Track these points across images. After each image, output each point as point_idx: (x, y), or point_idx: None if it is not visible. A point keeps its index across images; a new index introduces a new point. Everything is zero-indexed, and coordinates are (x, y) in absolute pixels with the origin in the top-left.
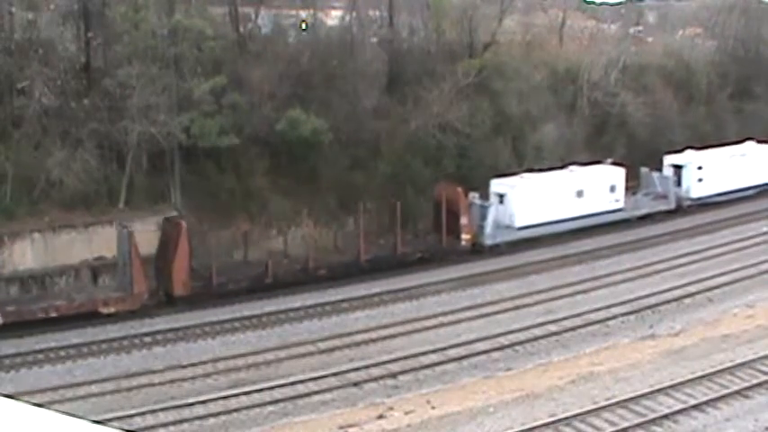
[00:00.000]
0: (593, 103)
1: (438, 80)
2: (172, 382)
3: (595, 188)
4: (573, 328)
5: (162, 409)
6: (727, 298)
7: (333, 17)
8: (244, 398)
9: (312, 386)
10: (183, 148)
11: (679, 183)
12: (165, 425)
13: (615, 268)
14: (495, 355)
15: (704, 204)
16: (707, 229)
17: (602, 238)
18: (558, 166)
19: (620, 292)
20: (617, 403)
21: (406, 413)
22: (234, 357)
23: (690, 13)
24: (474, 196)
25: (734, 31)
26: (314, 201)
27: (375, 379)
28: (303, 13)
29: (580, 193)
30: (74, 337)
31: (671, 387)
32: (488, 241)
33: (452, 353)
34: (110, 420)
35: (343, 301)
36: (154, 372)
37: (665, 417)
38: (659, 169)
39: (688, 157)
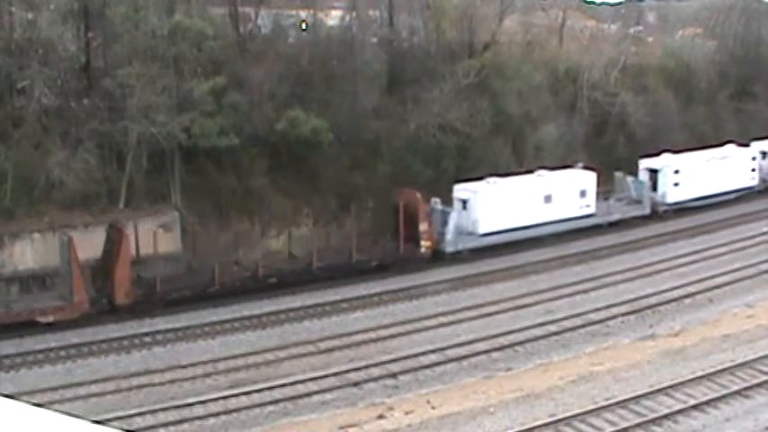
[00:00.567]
0: (593, 103)
1: (438, 80)
2: (172, 382)
3: (564, 193)
4: (573, 328)
5: (162, 409)
6: (727, 298)
7: (333, 17)
8: (244, 398)
9: (312, 386)
10: (183, 148)
11: (655, 187)
12: (165, 425)
13: (615, 268)
14: (495, 355)
15: (681, 209)
16: (707, 229)
17: (602, 239)
18: (526, 171)
19: (620, 292)
20: (617, 403)
21: (406, 413)
22: (234, 357)
23: (690, 13)
24: (436, 202)
25: (734, 31)
26: (314, 201)
27: (375, 379)
28: (303, 13)
29: (548, 199)
30: (74, 337)
31: (671, 387)
32: (449, 248)
33: (452, 353)
34: (110, 420)
35: (343, 301)
36: (154, 372)
37: (665, 417)
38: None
39: (664, 161)
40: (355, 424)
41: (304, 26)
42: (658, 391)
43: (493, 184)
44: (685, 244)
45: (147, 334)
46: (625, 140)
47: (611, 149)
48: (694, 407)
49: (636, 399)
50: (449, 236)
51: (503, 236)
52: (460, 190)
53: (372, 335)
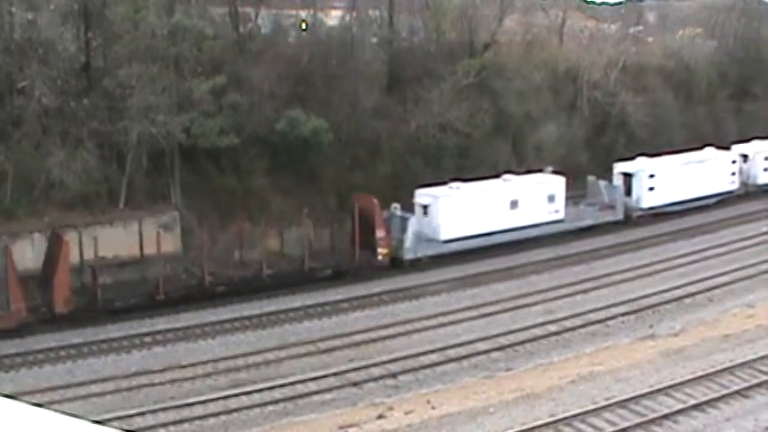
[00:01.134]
0: (593, 103)
1: (438, 80)
2: (172, 382)
3: (532, 198)
4: (573, 328)
5: (162, 409)
6: (727, 298)
7: (333, 17)
8: (244, 398)
9: (312, 386)
10: (183, 148)
11: (629, 192)
12: (165, 425)
13: (615, 268)
14: (495, 355)
15: (657, 215)
16: (707, 229)
17: (602, 239)
18: (492, 175)
19: (620, 292)
20: (617, 403)
21: (406, 413)
22: (234, 357)
23: (690, 13)
24: (396, 207)
25: (734, 31)
26: (314, 201)
27: (375, 379)
28: (303, 13)
29: (514, 204)
30: (74, 337)
31: (671, 387)
32: (408, 255)
33: (452, 353)
34: (110, 420)
35: (343, 301)
36: (154, 372)
37: (665, 417)
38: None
39: (639, 165)
40: (355, 424)
41: (304, 26)
42: (658, 391)
43: (455, 189)
44: (685, 244)
45: (147, 334)
46: (625, 140)
47: (611, 149)
48: (694, 407)
49: (636, 399)
50: (407, 243)
51: (465, 242)
52: (421, 195)
53: (372, 335)
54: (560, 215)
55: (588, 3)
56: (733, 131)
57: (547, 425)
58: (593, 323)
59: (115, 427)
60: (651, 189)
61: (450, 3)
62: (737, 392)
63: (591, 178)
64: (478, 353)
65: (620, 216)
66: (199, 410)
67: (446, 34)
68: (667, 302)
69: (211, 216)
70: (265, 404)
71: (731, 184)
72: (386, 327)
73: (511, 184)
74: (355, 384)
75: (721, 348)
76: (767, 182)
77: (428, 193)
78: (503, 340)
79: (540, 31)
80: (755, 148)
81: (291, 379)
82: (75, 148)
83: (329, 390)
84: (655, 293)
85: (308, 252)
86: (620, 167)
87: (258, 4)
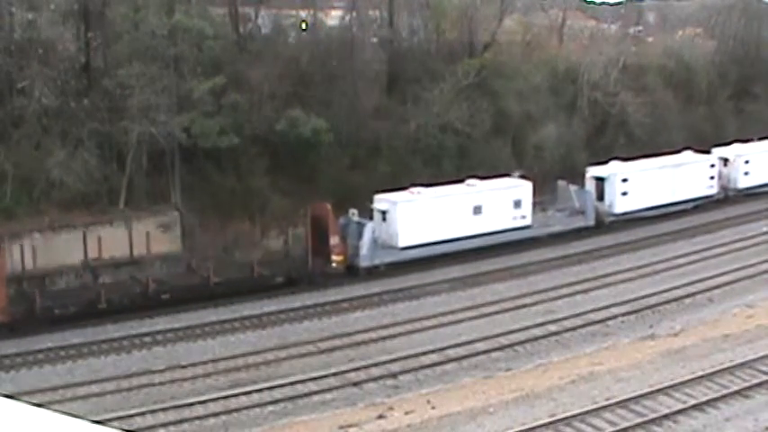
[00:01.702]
0: (593, 103)
1: (438, 80)
2: (172, 382)
3: (496, 204)
4: (573, 328)
5: (162, 409)
6: (727, 298)
7: (333, 17)
8: (244, 398)
9: (312, 386)
10: (183, 148)
11: (602, 197)
12: (165, 425)
13: (615, 268)
14: (495, 355)
15: (630, 220)
16: (707, 229)
17: (602, 238)
18: (456, 180)
19: (620, 292)
20: (617, 403)
21: (406, 413)
22: (234, 357)
23: (690, 13)
24: (353, 213)
25: (734, 31)
26: (314, 201)
27: (375, 379)
28: (303, 13)
29: (477, 210)
30: (74, 337)
31: (671, 387)
32: (364, 263)
33: (452, 353)
34: (110, 420)
35: (343, 301)
36: (154, 372)
37: (665, 417)
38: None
39: (612, 169)
40: (355, 424)
41: (304, 26)
42: (658, 391)
43: (415, 195)
44: (685, 244)
45: (147, 334)
46: (625, 140)
47: (611, 149)
48: (694, 407)
49: (636, 399)
50: (364, 250)
51: (425, 249)
52: (380, 201)
53: (372, 335)
54: (527, 221)
55: (588, 3)
56: (733, 131)
57: (547, 425)
58: (593, 323)
59: (115, 427)
60: (624, 194)
61: (451, 3)
62: (737, 392)
63: (561, 183)
64: (478, 353)
65: (590, 222)
66: (199, 410)
67: (446, 34)
68: (667, 302)
69: (211, 216)
70: (265, 404)
71: (709, 188)
72: (386, 327)
73: (474, 190)
74: (355, 384)
75: (721, 348)
76: (748, 186)
77: (387, 198)
78: (503, 340)
79: (540, 31)
80: (736, 151)
81: (291, 379)
82: (75, 148)
83: (329, 390)
84: (655, 293)
85: (256, 259)
86: (592, 171)
87: (258, 4)
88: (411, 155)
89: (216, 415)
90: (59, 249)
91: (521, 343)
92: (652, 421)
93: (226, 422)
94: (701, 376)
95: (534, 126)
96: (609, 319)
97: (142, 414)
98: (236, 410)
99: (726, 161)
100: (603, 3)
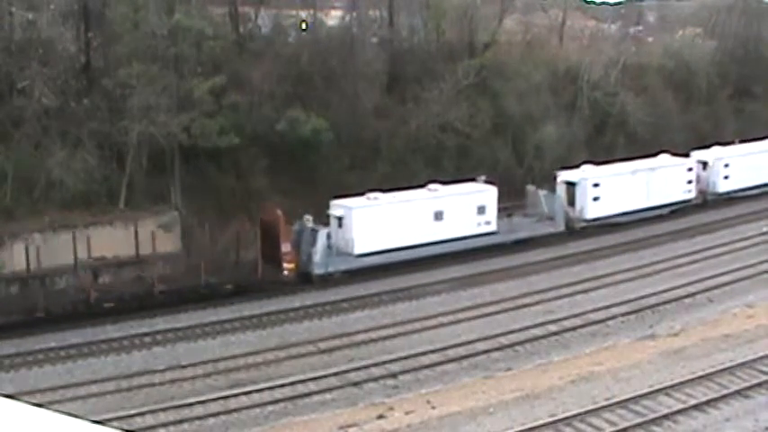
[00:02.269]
0: (593, 103)
1: (438, 80)
2: (172, 382)
3: (459, 210)
4: (573, 328)
5: (162, 409)
6: (727, 298)
7: (333, 17)
8: (244, 398)
9: (312, 386)
10: (183, 148)
11: (573, 202)
12: (165, 425)
13: (615, 268)
14: (495, 355)
15: (602, 226)
16: (707, 228)
17: (602, 239)
18: (418, 185)
19: (620, 292)
20: (617, 403)
21: (406, 413)
22: (234, 357)
23: (690, 13)
24: (308, 219)
25: (734, 31)
26: (314, 201)
27: (375, 379)
28: (303, 13)
29: (439, 216)
30: (74, 337)
31: (671, 387)
32: (318, 270)
33: (452, 353)
34: (110, 420)
35: (343, 301)
36: (154, 372)
37: (665, 417)
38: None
39: (583, 174)
40: (355, 424)
41: (304, 26)
42: (658, 391)
43: (372, 200)
44: (685, 244)
45: (147, 334)
46: (625, 140)
47: (611, 149)
48: (694, 407)
49: (636, 399)
50: (317, 257)
51: (383, 257)
52: (336, 206)
53: (372, 335)
54: (492, 227)
55: (588, 3)
56: (733, 131)
57: (547, 425)
58: (593, 323)
59: (115, 427)
60: (596, 199)
61: (450, 3)
62: (737, 392)
63: (530, 188)
64: (478, 353)
65: (560, 228)
66: (199, 410)
67: (446, 34)
68: (667, 302)
69: (211, 216)
70: (265, 404)
71: (687, 193)
72: (386, 327)
73: (435, 195)
74: (355, 384)
75: (721, 348)
76: (728, 190)
77: (342, 204)
78: (503, 340)
79: (540, 31)
80: (715, 154)
81: (291, 379)
82: (75, 148)
83: (329, 390)
84: (655, 293)
85: (203, 266)
86: (563, 176)
87: (258, 4)
88: (411, 155)
89: (216, 415)
90: (57, 249)
91: (521, 343)
92: (652, 421)
93: (226, 422)
94: (701, 376)
95: (534, 126)
96: (609, 319)
97: (142, 414)
98: (236, 410)
99: (705, 165)
100: (603, 3)
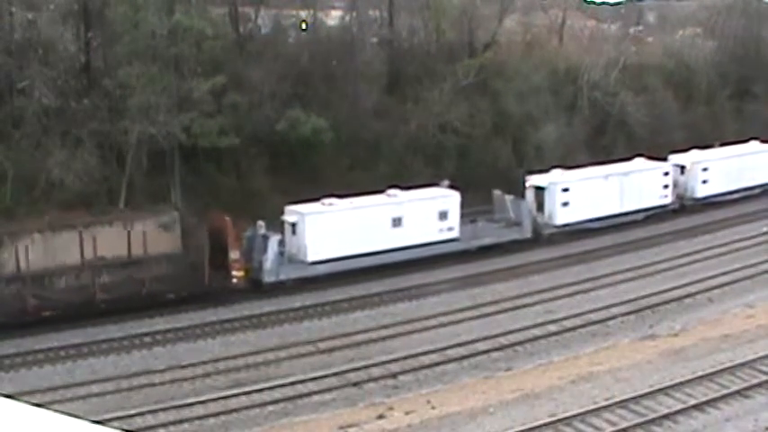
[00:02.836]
0: (593, 103)
1: (438, 80)
2: (172, 382)
3: (419, 216)
4: (573, 328)
5: (162, 409)
6: (727, 298)
7: (333, 17)
8: (244, 398)
9: (312, 386)
10: (183, 148)
11: (541, 207)
12: (164, 425)
13: (615, 268)
14: (495, 355)
15: (572, 232)
16: (707, 228)
17: (602, 239)
18: (376, 191)
19: (620, 292)
20: (617, 403)
21: (406, 413)
22: (234, 357)
23: (690, 13)
24: (260, 225)
25: (734, 31)
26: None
27: (375, 379)
28: (303, 13)
29: (397, 222)
30: (74, 337)
31: (671, 387)
32: (268, 278)
33: (452, 353)
34: (110, 420)
35: (343, 301)
36: (154, 372)
37: (665, 417)
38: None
39: (552, 178)
40: (355, 424)
41: (304, 26)
42: (658, 391)
43: (327, 206)
44: (685, 244)
45: (147, 334)
46: (625, 140)
47: (611, 149)
48: (694, 407)
49: (636, 399)
50: (268, 264)
51: (338, 264)
52: (290, 212)
53: (372, 335)
54: (455, 233)
55: (588, 3)
56: (733, 131)
57: (547, 425)
58: (593, 323)
59: (115, 427)
60: (565, 204)
61: (451, 3)
62: (737, 392)
63: (497, 193)
64: (478, 353)
65: (527, 234)
66: (199, 410)
67: (446, 34)
68: (667, 302)
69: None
70: (265, 404)
71: (663, 198)
72: (386, 327)
73: (394, 200)
74: (355, 384)
75: (721, 348)
76: (707, 195)
77: (296, 210)
78: (503, 340)
79: (540, 31)
80: (693, 158)
81: (291, 379)
82: (76, 148)
83: (329, 390)
84: (655, 293)
85: (147, 273)
86: (532, 180)
87: (258, 4)
88: (411, 155)
89: (216, 415)
90: (58, 249)
91: (521, 343)
92: (652, 421)
93: (226, 422)
94: (701, 376)
95: (534, 126)
96: (609, 319)
97: (142, 414)
98: (236, 410)
99: (682, 169)
100: (603, 3)
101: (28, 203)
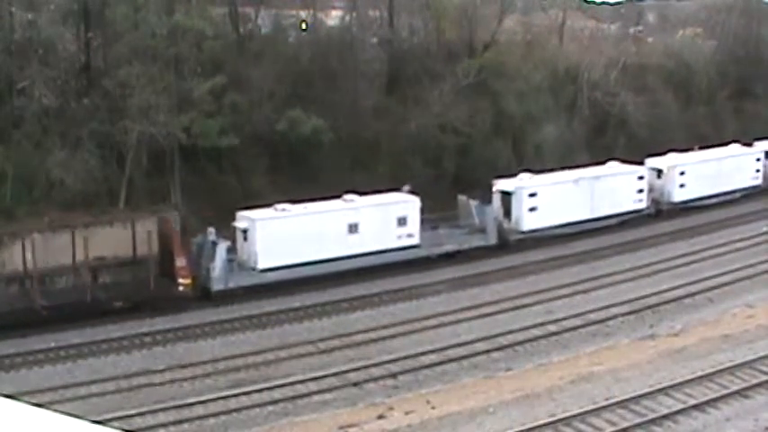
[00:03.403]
0: (593, 103)
1: (438, 80)
2: (172, 382)
3: (376, 221)
4: (573, 328)
5: (162, 409)
6: (727, 298)
7: (333, 17)
8: (244, 398)
9: (312, 386)
10: (183, 148)
11: (508, 213)
12: (164, 425)
13: (615, 268)
14: (495, 355)
15: (540, 239)
16: (707, 229)
17: (602, 239)
18: (332, 196)
19: (620, 292)
20: (617, 403)
21: (406, 413)
22: (234, 357)
23: (690, 13)
24: (210, 232)
25: (734, 31)
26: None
27: (375, 379)
28: (303, 13)
29: (353, 228)
30: (74, 337)
31: (671, 387)
32: (217, 286)
33: (452, 353)
34: (110, 420)
35: (343, 301)
36: (154, 372)
37: (665, 417)
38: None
39: (519, 183)
40: (355, 424)
41: (304, 26)
42: (658, 391)
43: (279, 212)
44: (685, 244)
45: (147, 334)
46: (625, 140)
47: (611, 149)
48: (694, 407)
49: (636, 399)
50: (216, 272)
51: (290, 271)
52: (241, 218)
53: (372, 335)
54: (414, 240)
55: (588, 3)
56: (733, 131)
57: (547, 425)
58: (593, 323)
59: (115, 427)
60: (533, 209)
61: (451, 3)
62: (737, 392)
63: (462, 198)
64: (478, 353)
65: (492, 240)
66: (199, 410)
67: (446, 34)
68: (667, 302)
69: (211, 216)
70: (265, 404)
71: (638, 202)
72: (386, 327)
73: (350, 206)
74: (355, 384)
75: (721, 348)
76: (684, 199)
77: (247, 215)
78: (503, 340)
79: (540, 31)
80: (670, 161)
81: (291, 379)
82: (75, 148)
83: (329, 390)
84: (655, 293)
85: (90, 279)
86: (498, 185)
87: (258, 4)
88: (411, 155)
89: (216, 415)
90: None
91: (521, 343)
92: (652, 421)
93: (226, 422)
94: (701, 376)
95: (534, 126)
96: (609, 319)
97: (142, 414)
98: (236, 410)
99: (659, 173)
100: (603, 3)
101: (28, 203)
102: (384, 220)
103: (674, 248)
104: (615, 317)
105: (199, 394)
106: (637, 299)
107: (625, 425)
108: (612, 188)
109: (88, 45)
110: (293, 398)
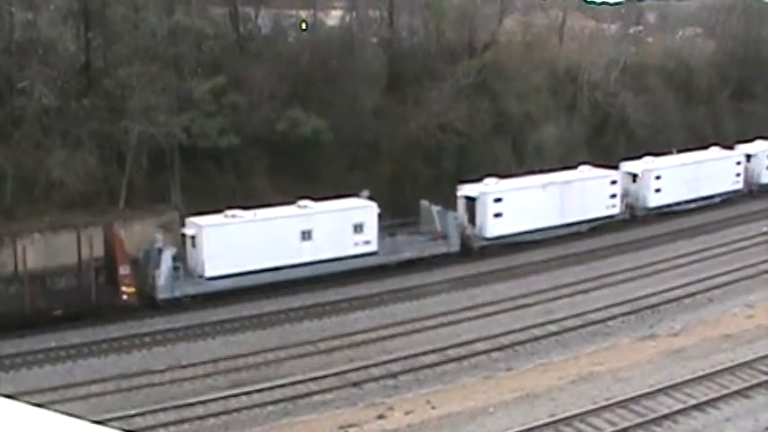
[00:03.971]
0: (593, 103)
1: (438, 80)
2: (172, 382)
3: (331, 228)
4: (573, 328)
5: (162, 409)
6: (727, 298)
7: (333, 17)
8: (244, 398)
9: (312, 386)
10: (183, 148)
11: (472, 219)
12: (165, 425)
13: (615, 268)
14: (495, 355)
15: (506, 246)
16: (707, 229)
17: (602, 239)
18: (288, 202)
19: (620, 292)
20: (617, 403)
21: (406, 413)
22: (234, 357)
23: (690, 13)
24: (158, 239)
25: (734, 31)
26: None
27: (375, 379)
28: (303, 13)
29: (307, 235)
30: (74, 337)
31: (671, 387)
32: (162, 295)
33: (452, 353)
34: (110, 420)
35: (343, 301)
36: (154, 372)
37: (665, 417)
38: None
39: (484, 188)
40: (355, 424)
41: (304, 26)
42: (658, 391)
43: (228, 218)
44: (685, 244)
45: (146, 334)
46: (625, 140)
47: (612, 149)
48: (694, 407)
49: (636, 399)
50: (161, 280)
51: (240, 280)
52: (189, 224)
53: (372, 335)
54: (372, 247)
55: (588, 3)
56: (733, 131)
57: (547, 425)
58: (593, 323)
59: (115, 427)
60: (498, 215)
61: (450, 3)
62: (737, 392)
63: (424, 203)
64: (478, 353)
65: (454, 247)
66: (199, 410)
67: (446, 34)
68: (667, 302)
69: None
70: (265, 404)
71: (611, 208)
72: (386, 327)
73: (303, 212)
74: (355, 384)
75: (721, 348)
76: (660, 204)
77: (195, 222)
78: (503, 340)
79: (540, 31)
80: (646, 165)
81: (291, 379)
82: (76, 148)
83: (329, 390)
84: (655, 293)
85: (28, 288)
86: (463, 190)
87: (258, 4)
88: (411, 155)
89: (216, 415)
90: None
91: (521, 343)
92: (652, 421)
93: (226, 422)
94: (701, 376)
95: (534, 126)
96: (609, 319)
97: (142, 414)
98: (237, 410)
99: (634, 177)
100: (603, 3)
101: (28, 203)
102: (339, 227)
103: (674, 248)
104: (615, 317)
105: (199, 394)
106: (637, 299)
107: (625, 425)
108: (583, 193)
109: (88, 45)
110: (293, 398)
